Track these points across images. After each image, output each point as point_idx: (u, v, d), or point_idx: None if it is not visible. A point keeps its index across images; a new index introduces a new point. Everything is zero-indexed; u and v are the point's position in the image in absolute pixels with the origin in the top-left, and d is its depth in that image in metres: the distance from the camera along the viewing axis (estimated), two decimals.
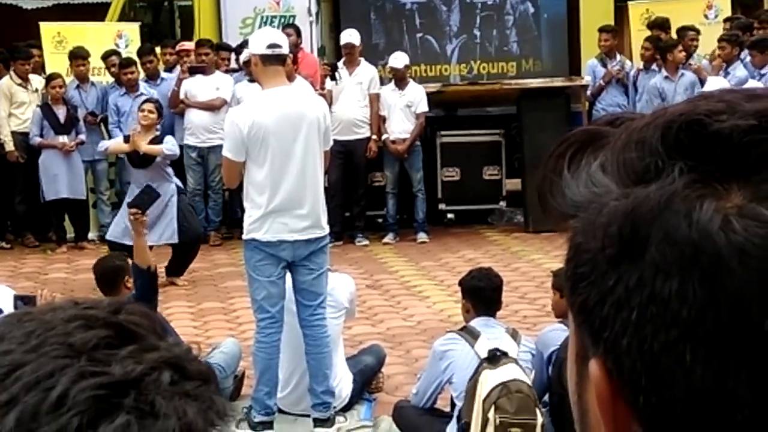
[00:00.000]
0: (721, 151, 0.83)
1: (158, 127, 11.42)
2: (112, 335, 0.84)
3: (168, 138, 11.38)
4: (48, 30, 14.39)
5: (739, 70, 12.67)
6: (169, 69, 14.08)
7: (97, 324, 0.85)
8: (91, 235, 13.65)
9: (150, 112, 11.29)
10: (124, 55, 13.93)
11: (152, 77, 13.92)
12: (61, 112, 13.34)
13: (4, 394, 0.80)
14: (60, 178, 13.22)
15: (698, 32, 14.04)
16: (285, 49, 7.07)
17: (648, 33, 14.40)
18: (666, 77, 13.23)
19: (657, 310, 0.82)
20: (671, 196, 0.82)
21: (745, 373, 0.80)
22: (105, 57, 13.90)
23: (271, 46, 6.91)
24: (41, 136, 13.28)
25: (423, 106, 13.24)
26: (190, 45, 13.79)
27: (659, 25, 14.36)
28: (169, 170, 11.25)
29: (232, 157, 6.89)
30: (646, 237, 0.82)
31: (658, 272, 0.82)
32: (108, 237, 11.18)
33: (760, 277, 0.80)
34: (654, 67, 13.54)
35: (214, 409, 0.84)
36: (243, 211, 7.26)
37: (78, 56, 13.61)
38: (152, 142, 11.10)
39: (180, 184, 11.63)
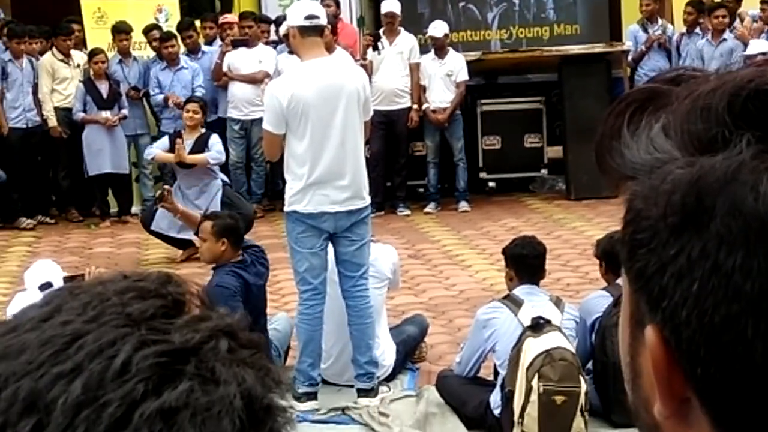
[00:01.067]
0: None
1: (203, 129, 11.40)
2: (167, 305, 0.86)
3: (213, 141, 11.30)
4: (88, 5, 14.43)
5: None
6: (210, 42, 14.09)
7: (150, 295, 0.87)
8: (134, 209, 13.73)
9: (194, 112, 11.30)
10: (164, 29, 13.97)
11: (193, 51, 13.95)
12: (103, 88, 13.40)
13: (69, 363, 0.81)
14: (103, 153, 13.30)
15: None
16: (323, 20, 7.06)
17: None
18: (708, 41, 13.12)
19: (719, 282, 0.81)
20: (738, 167, 0.81)
21: None
22: (146, 32, 13.96)
23: (308, 17, 6.90)
24: (84, 111, 13.34)
25: (463, 75, 13.20)
26: (232, 18, 13.81)
27: None
28: (215, 167, 11.26)
29: (272, 129, 6.90)
30: (711, 207, 0.81)
31: (723, 244, 0.81)
32: (153, 228, 11.21)
33: None
34: (697, 30, 13.41)
35: (271, 376, 0.86)
36: (284, 183, 7.27)
37: (121, 31, 13.67)
38: (198, 140, 11.06)
39: (226, 179, 11.60)
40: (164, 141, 11.65)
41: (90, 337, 0.82)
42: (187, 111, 11.32)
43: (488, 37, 14.90)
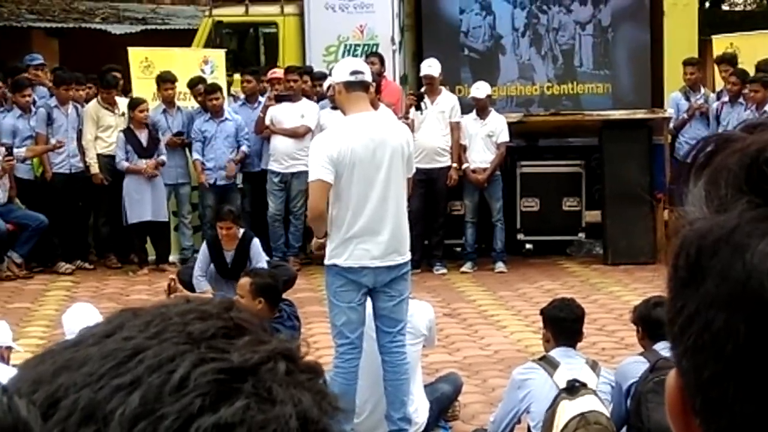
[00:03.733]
0: None
1: (241, 230, 10.91)
2: (227, 326, 0.88)
3: (255, 249, 10.70)
4: (136, 55, 14.62)
5: None
6: (252, 96, 14.17)
7: (211, 318, 0.88)
8: (172, 258, 13.80)
9: (227, 228, 10.70)
10: (209, 81, 14.10)
11: (251, 99, 14.05)
12: (143, 136, 13.53)
13: (128, 375, 0.83)
14: (143, 202, 13.40)
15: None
16: (368, 76, 7.14)
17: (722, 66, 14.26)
18: (752, 111, 13.12)
19: (708, 341, 0.84)
20: (733, 230, 0.83)
21: None
22: (192, 86, 14.08)
23: (354, 73, 6.97)
24: (126, 159, 13.46)
25: (504, 136, 13.25)
26: (281, 73, 13.91)
27: (727, 60, 14.26)
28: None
29: (322, 177, 6.81)
30: (706, 267, 0.84)
31: (712, 305, 0.83)
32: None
33: None
34: (740, 100, 13.42)
35: (327, 400, 0.88)
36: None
37: (166, 80, 13.81)
38: (239, 249, 10.64)
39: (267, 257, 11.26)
40: (204, 252, 10.95)
41: (150, 352, 0.84)
42: (221, 228, 10.80)
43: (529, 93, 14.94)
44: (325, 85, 11.31)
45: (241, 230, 11.03)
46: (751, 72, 13.72)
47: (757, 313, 0.81)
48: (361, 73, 7.06)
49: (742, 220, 0.83)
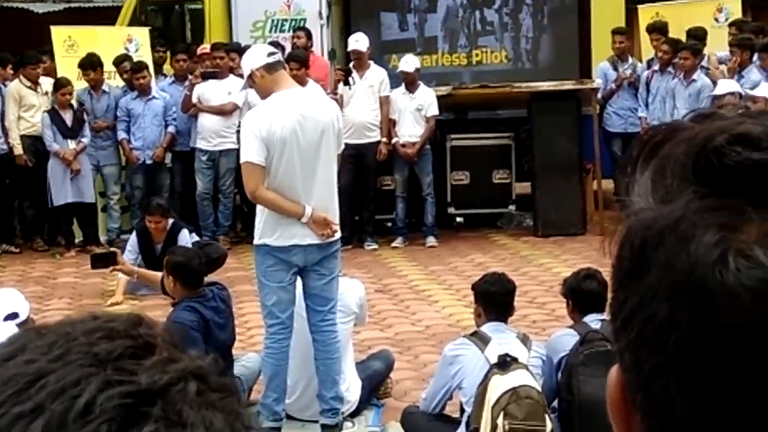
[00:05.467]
0: (737, 183, 0.82)
1: (170, 221, 11.05)
2: (135, 346, 0.84)
3: (182, 238, 10.85)
4: (59, 34, 14.41)
5: (753, 74, 12.64)
6: (183, 75, 14.01)
7: (119, 336, 0.85)
8: (101, 239, 13.66)
9: (156, 222, 10.93)
10: (134, 59, 13.94)
11: (182, 77, 13.91)
12: (68, 117, 13.38)
13: (29, 403, 0.79)
14: (68, 183, 13.25)
15: (701, 38, 13.93)
16: (281, 55, 7.17)
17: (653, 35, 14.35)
18: (680, 80, 13.20)
19: (650, 334, 0.82)
20: (678, 221, 0.82)
21: (724, 413, 0.79)
22: (117, 63, 13.91)
23: (270, 54, 7.00)
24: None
25: (433, 110, 13.24)
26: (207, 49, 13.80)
27: (658, 29, 14.32)
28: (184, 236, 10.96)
29: (254, 160, 6.75)
30: (651, 258, 0.82)
31: (655, 297, 0.82)
32: (128, 289, 11.12)
33: (745, 320, 0.78)
34: (669, 69, 13.50)
35: (241, 420, 0.84)
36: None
37: (86, 67, 13.58)
38: (167, 242, 10.67)
39: (195, 237, 11.32)
40: (133, 241, 11.18)
41: (53, 377, 0.80)
42: (149, 222, 10.95)
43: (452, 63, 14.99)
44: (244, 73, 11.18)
45: (171, 221, 10.99)
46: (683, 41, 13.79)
47: (701, 305, 0.79)
48: (277, 52, 7.14)
49: (687, 211, 0.82)
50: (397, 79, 13.35)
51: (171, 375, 0.83)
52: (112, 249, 10.83)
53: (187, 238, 10.92)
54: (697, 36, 13.80)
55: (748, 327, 0.78)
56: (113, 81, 14.15)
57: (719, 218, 0.81)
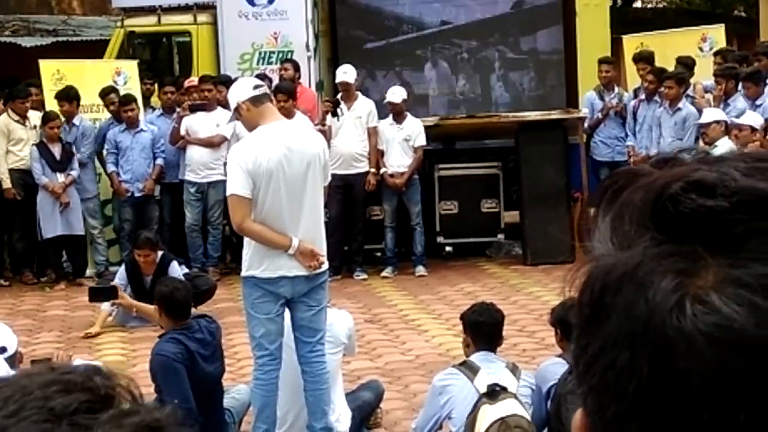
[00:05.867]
0: (692, 229, 0.82)
1: (159, 253, 11.08)
2: (92, 399, 0.84)
3: (173, 271, 10.84)
4: (47, 67, 14.43)
5: (739, 102, 12.70)
6: (170, 107, 14.05)
7: (76, 388, 0.84)
8: (88, 272, 13.64)
9: (145, 256, 10.94)
10: (122, 92, 13.96)
11: (170, 109, 13.94)
12: (56, 150, 13.38)
13: None
14: (57, 215, 13.24)
15: (690, 66, 13.99)
16: (267, 87, 7.21)
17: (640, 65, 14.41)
18: (665, 109, 13.25)
19: (612, 380, 0.82)
20: (636, 267, 0.82)
21: None
22: (104, 95, 13.92)
23: (256, 87, 7.03)
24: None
25: (421, 140, 13.26)
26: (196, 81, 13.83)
27: (645, 58, 14.38)
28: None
29: (242, 192, 6.79)
30: (610, 305, 0.83)
31: (615, 343, 0.82)
32: (118, 321, 11.12)
33: (703, 366, 0.79)
34: (656, 98, 13.56)
35: None
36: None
37: (61, 98, 13.56)
38: (157, 274, 10.70)
39: (185, 269, 11.36)
40: (122, 275, 11.18)
41: None
42: (138, 255, 11.00)
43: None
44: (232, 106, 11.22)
45: (160, 253, 10.99)
46: (671, 69, 13.85)
47: (659, 352, 0.80)
48: (262, 85, 7.16)
49: (645, 257, 0.82)
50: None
51: (126, 429, 0.82)
52: (112, 283, 10.80)
53: (177, 270, 10.94)
54: (686, 64, 13.88)
55: (705, 372, 0.79)
56: (100, 114, 14.16)
57: (676, 264, 0.81)
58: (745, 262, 0.80)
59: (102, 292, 10.64)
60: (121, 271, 11.23)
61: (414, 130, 13.28)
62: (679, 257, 0.82)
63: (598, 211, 0.91)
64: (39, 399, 0.83)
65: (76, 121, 13.72)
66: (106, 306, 11.02)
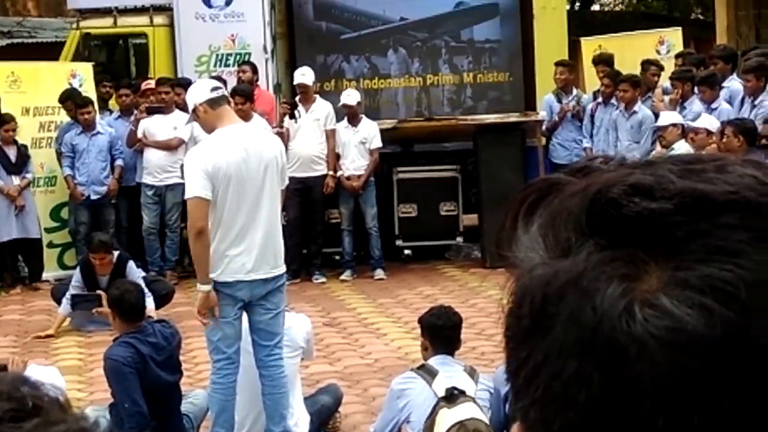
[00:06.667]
0: (636, 233, 0.81)
1: (115, 254, 10.98)
2: (17, 408, 0.82)
3: (131, 271, 10.83)
4: (2, 70, 14.29)
5: (695, 105, 12.77)
6: (127, 109, 13.98)
7: (1, 398, 0.83)
8: (45, 275, 13.52)
9: (101, 259, 10.83)
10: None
11: (127, 112, 13.84)
12: (11, 153, 13.28)
13: None
14: (12, 219, 13.14)
15: (660, 67, 14.11)
16: (225, 90, 7.17)
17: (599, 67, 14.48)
18: (621, 112, 13.32)
19: (558, 390, 0.80)
20: (580, 275, 0.80)
21: None
22: (63, 101, 13.79)
23: (214, 89, 7.04)
24: None
25: (377, 142, 13.25)
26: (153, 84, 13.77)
27: (604, 60, 14.45)
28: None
29: (201, 194, 6.75)
30: (554, 314, 0.81)
31: (561, 352, 0.80)
32: (74, 325, 11.05)
33: (656, 369, 0.78)
34: (613, 101, 13.62)
35: None
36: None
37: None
38: (114, 274, 10.63)
39: (143, 272, 11.34)
40: (77, 277, 11.08)
41: None
42: (94, 258, 10.89)
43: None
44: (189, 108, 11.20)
45: (116, 253, 10.92)
46: (634, 71, 13.94)
47: (610, 358, 0.78)
48: (220, 87, 7.18)
49: (588, 264, 0.81)
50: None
51: None
52: (98, 291, 10.70)
53: (134, 269, 10.93)
54: (657, 66, 13.98)
55: (658, 377, 0.78)
56: (56, 116, 14.05)
57: (619, 270, 0.80)
58: (690, 263, 0.79)
59: (86, 299, 10.59)
60: (76, 273, 11.16)
61: (370, 132, 13.26)
62: (621, 262, 0.80)
63: (515, 221, 0.90)
64: None
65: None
66: (63, 309, 10.95)
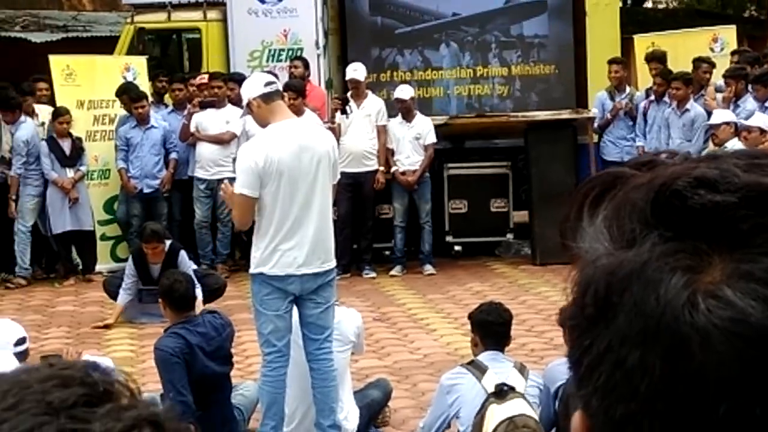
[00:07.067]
0: (700, 226, 0.83)
1: (167, 243, 10.99)
2: (90, 393, 0.84)
3: (182, 260, 10.85)
4: (57, 63, 14.44)
5: (749, 103, 12.68)
6: (180, 103, 14.09)
7: (74, 383, 0.84)
8: (98, 267, 13.65)
9: (153, 248, 10.85)
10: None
11: (180, 106, 13.97)
12: (66, 145, 13.41)
13: None
14: (66, 211, 13.27)
15: (712, 65, 14.01)
16: (279, 85, 7.22)
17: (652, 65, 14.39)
18: (673, 110, 13.25)
19: (621, 379, 0.82)
20: (644, 265, 0.82)
21: None
22: (119, 94, 13.90)
23: (268, 84, 7.03)
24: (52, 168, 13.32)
25: (431, 138, 13.27)
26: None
27: (657, 58, 14.36)
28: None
29: (248, 192, 6.83)
30: (617, 303, 0.82)
31: (624, 341, 0.82)
32: (126, 318, 11.14)
33: (719, 359, 0.79)
34: (665, 99, 13.55)
35: None
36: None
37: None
38: (166, 263, 10.68)
39: (194, 265, 11.31)
40: (130, 266, 11.12)
41: (6, 426, 0.80)
42: (146, 249, 10.93)
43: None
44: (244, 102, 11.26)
45: (168, 243, 10.99)
46: (687, 68, 13.84)
47: (673, 348, 0.80)
48: (274, 82, 7.17)
49: (652, 255, 0.82)
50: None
51: (125, 423, 0.82)
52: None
53: (186, 259, 10.99)
54: (709, 64, 13.88)
55: (720, 367, 0.79)
56: (110, 110, 14.16)
57: (684, 261, 0.81)
58: (754, 256, 0.80)
59: (152, 293, 10.65)
60: (129, 263, 11.25)
61: (424, 128, 13.28)
62: (685, 253, 0.82)
63: (580, 213, 0.91)
64: (37, 393, 0.83)
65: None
66: (121, 300, 11.04)
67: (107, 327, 10.94)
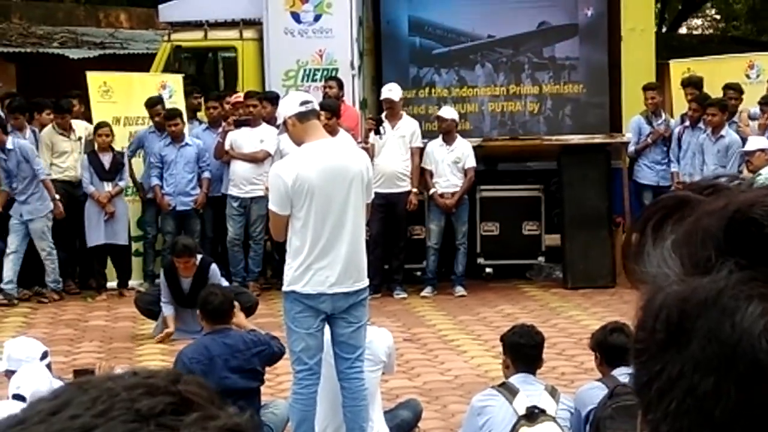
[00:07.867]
0: None
1: (198, 257, 11.05)
2: (176, 402, 0.85)
3: (213, 273, 10.91)
4: (94, 79, 14.56)
5: None
6: (215, 121, 14.16)
7: (159, 392, 0.86)
8: (131, 283, 13.71)
9: (185, 262, 10.85)
10: (167, 106, 14.04)
11: (215, 124, 14.03)
12: (106, 159, 13.51)
13: None
14: (102, 224, 13.36)
15: (741, 92, 13.97)
16: (316, 104, 7.23)
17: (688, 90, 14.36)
18: (708, 136, 13.22)
19: (693, 405, 0.82)
20: (720, 292, 0.82)
21: None
22: (151, 105, 13.99)
23: (303, 103, 7.05)
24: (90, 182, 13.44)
25: (471, 161, 13.31)
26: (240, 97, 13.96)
27: (694, 83, 14.33)
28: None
29: (277, 210, 6.92)
30: (691, 330, 0.82)
31: (698, 368, 0.82)
32: (157, 333, 11.19)
33: None
34: (701, 125, 13.52)
35: None
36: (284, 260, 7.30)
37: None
38: (197, 277, 10.72)
39: (225, 282, 11.22)
40: (162, 280, 11.15)
41: (99, 431, 0.82)
42: (178, 263, 10.95)
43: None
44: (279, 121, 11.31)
45: (199, 257, 11.03)
46: (718, 94, 13.82)
47: (749, 376, 0.80)
48: (310, 102, 7.19)
49: (728, 282, 0.82)
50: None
51: (210, 431, 0.84)
52: (167, 330, 10.93)
53: (217, 272, 11.01)
54: (736, 90, 13.84)
55: None
56: (146, 126, 14.23)
57: (760, 289, 0.81)
58: None
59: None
60: (162, 277, 11.31)
61: (464, 151, 13.32)
62: (762, 282, 0.82)
63: (643, 236, 0.91)
64: (126, 400, 0.84)
65: (9, 145, 13.15)
66: (167, 311, 11.04)
67: (169, 335, 10.95)
